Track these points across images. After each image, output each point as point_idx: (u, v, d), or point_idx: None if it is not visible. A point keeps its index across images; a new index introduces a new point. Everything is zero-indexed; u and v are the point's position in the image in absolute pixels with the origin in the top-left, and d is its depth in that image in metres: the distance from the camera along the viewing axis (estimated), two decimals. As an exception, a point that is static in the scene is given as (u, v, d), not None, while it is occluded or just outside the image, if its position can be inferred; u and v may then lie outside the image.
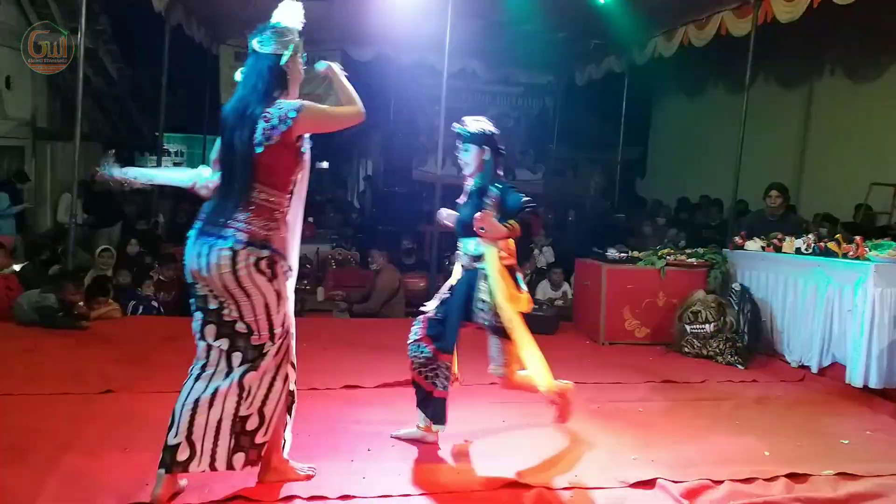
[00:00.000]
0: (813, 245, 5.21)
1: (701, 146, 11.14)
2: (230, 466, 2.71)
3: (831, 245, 5.05)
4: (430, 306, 3.50)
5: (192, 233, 2.75)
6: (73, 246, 6.69)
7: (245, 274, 2.60)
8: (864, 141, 8.29)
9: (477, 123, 3.46)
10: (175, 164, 16.38)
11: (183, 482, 2.78)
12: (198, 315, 2.78)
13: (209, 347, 2.76)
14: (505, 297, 3.22)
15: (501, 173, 3.46)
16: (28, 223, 10.03)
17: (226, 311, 2.69)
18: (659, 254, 6.16)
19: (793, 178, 8.97)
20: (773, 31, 7.17)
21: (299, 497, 2.79)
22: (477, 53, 11.05)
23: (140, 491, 2.75)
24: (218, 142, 2.79)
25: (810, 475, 3.23)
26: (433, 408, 3.40)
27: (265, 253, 2.63)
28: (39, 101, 10.52)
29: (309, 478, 2.95)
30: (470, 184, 3.48)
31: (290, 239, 2.82)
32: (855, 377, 4.53)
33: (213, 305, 2.71)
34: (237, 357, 2.71)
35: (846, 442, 3.77)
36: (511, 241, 3.32)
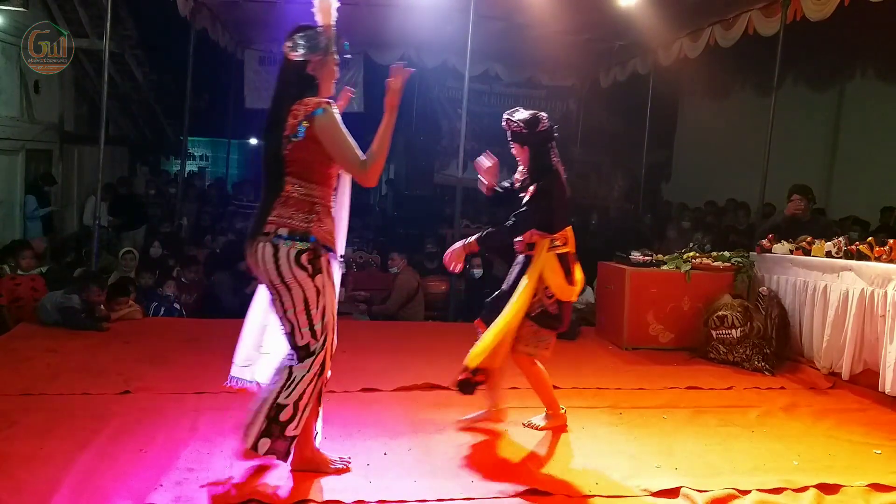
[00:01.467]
0: (844, 248, 5.06)
1: (728, 149, 10.95)
2: (254, 448, 2.76)
3: (863, 248, 4.91)
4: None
5: (250, 233, 2.85)
6: (98, 248, 6.75)
7: (287, 268, 2.70)
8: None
9: (517, 122, 3.55)
10: (199, 168, 16.54)
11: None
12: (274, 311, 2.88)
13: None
14: (555, 286, 3.40)
15: (556, 160, 3.55)
16: (55, 226, 10.18)
17: (278, 304, 2.79)
18: (684, 257, 6.04)
19: (822, 180, 8.78)
20: (802, 30, 7.02)
21: (314, 501, 2.75)
22: (499, 56, 11.00)
23: (155, 492, 2.73)
24: None
25: (841, 486, 3.13)
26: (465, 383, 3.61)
27: (306, 245, 2.71)
28: (67, 104, 10.67)
29: (341, 472, 2.95)
30: (519, 175, 3.66)
31: (337, 231, 2.91)
32: (888, 385, 4.38)
33: (272, 296, 2.81)
34: (293, 354, 2.83)
35: (879, 452, 3.64)
36: (569, 229, 3.51)
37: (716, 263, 5.94)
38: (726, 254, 6.08)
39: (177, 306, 6.35)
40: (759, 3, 7.34)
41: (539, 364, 3.60)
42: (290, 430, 2.77)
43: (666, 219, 10.96)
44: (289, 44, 2.80)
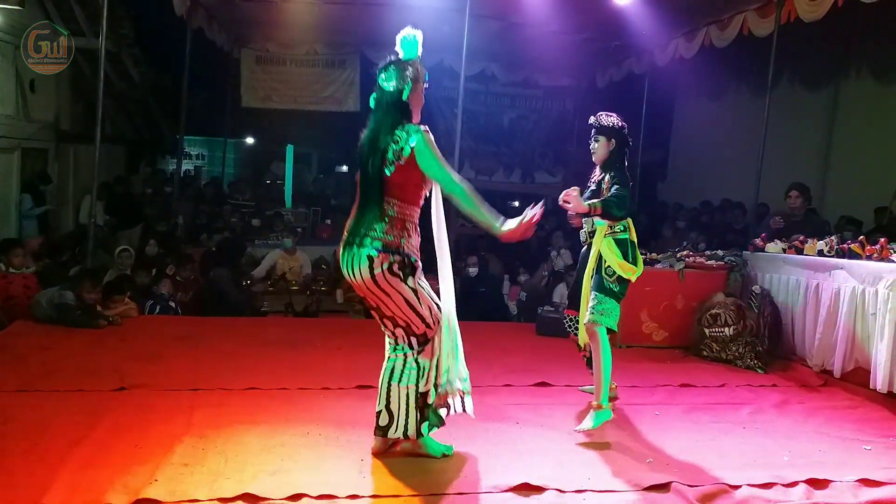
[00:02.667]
0: (836, 247, 5.10)
1: (723, 149, 10.98)
2: (419, 434, 3.12)
3: (855, 247, 4.95)
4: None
5: (341, 247, 3.11)
6: (94, 246, 6.76)
7: (382, 277, 2.99)
8: (891, 143, 8.11)
9: (609, 118, 3.98)
10: (196, 167, 16.53)
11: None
12: (372, 314, 3.24)
13: (393, 335, 3.19)
14: (615, 264, 3.78)
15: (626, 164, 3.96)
16: (51, 224, 10.17)
17: (384, 309, 3.10)
18: (678, 256, 6.07)
19: (816, 180, 8.81)
20: (796, 31, 7.05)
21: (307, 496, 2.77)
22: (496, 56, 11.03)
23: (149, 486, 2.75)
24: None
25: (831, 481, 3.15)
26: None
27: (397, 257, 2.99)
28: (63, 103, 10.66)
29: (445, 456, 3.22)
30: (597, 172, 4.02)
31: (436, 238, 3.28)
32: (879, 382, 4.42)
33: (374, 305, 3.13)
34: (414, 342, 3.14)
35: (869, 448, 3.67)
36: (629, 220, 3.89)
37: (709, 262, 5.97)
38: (720, 253, 6.12)
39: (172, 304, 6.35)
40: (754, 4, 7.37)
41: (603, 339, 3.75)
42: (437, 404, 3.18)
43: (661, 218, 11.00)
44: (382, 76, 3.08)
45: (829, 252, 5.15)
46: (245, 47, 10.89)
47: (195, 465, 2.99)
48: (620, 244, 3.84)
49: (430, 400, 3.14)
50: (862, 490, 3.10)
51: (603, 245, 3.84)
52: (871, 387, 4.49)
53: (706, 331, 5.49)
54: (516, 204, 13.16)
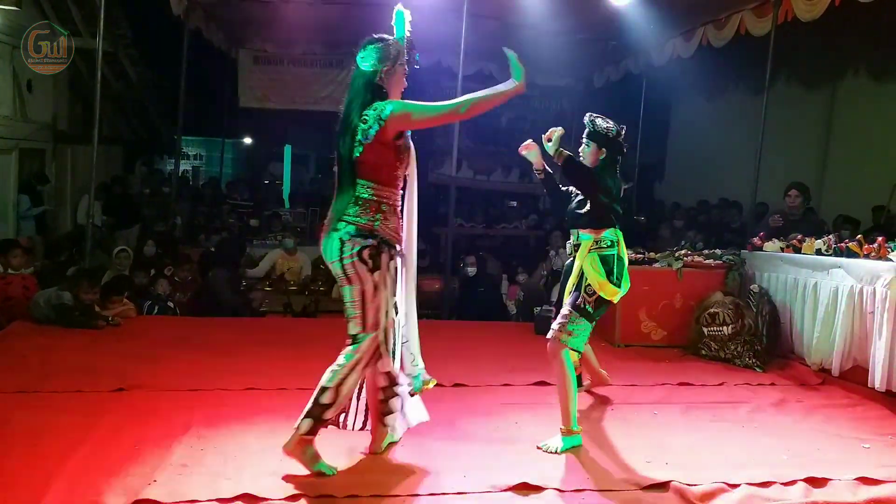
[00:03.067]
0: (833, 245, 5.11)
1: (720, 149, 11.00)
2: (297, 427, 2.92)
3: (852, 245, 4.96)
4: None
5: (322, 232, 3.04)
6: (91, 247, 6.75)
7: (349, 262, 2.90)
8: (888, 142, 8.13)
9: (604, 123, 3.71)
10: (194, 168, 16.53)
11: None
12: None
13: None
14: (596, 283, 3.53)
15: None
16: (48, 225, 10.16)
17: (345, 293, 2.99)
18: (676, 255, 6.08)
19: (814, 180, 8.82)
20: (793, 30, 7.06)
21: (306, 496, 2.77)
22: (493, 55, 10.96)
23: (148, 487, 2.75)
24: None
25: (830, 479, 3.16)
26: None
27: (369, 242, 2.90)
28: (60, 104, 10.64)
29: (318, 474, 2.93)
30: None
31: (405, 228, 3.13)
32: (877, 380, 4.42)
33: (341, 285, 3.00)
34: (349, 340, 3.02)
35: (867, 446, 3.68)
36: (618, 233, 3.68)
37: (707, 261, 5.98)
38: (718, 252, 6.13)
39: (171, 305, 6.35)
40: (751, 4, 7.38)
41: (566, 360, 3.48)
42: (328, 414, 2.94)
43: (659, 218, 11.01)
44: (361, 54, 2.98)
45: (827, 251, 5.16)
46: (242, 47, 10.88)
47: (194, 465, 2.99)
48: (605, 261, 3.58)
49: (325, 401, 2.92)
50: (860, 488, 3.10)
51: (587, 261, 3.60)
52: (869, 385, 4.50)
53: (705, 330, 5.50)
54: (514, 204, 13.19)
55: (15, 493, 2.68)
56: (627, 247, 6.21)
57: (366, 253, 2.90)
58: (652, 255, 6.19)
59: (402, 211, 3.12)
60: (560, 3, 7.89)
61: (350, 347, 2.99)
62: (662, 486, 3.02)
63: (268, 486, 2.82)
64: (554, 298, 7.00)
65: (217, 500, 2.70)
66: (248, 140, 17.07)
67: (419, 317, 7.51)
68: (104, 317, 5.57)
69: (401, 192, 3.08)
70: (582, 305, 3.54)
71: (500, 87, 2.96)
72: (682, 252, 6.15)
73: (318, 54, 10.99)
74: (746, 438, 3.74)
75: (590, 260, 3.59)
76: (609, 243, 3.63)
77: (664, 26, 8.60)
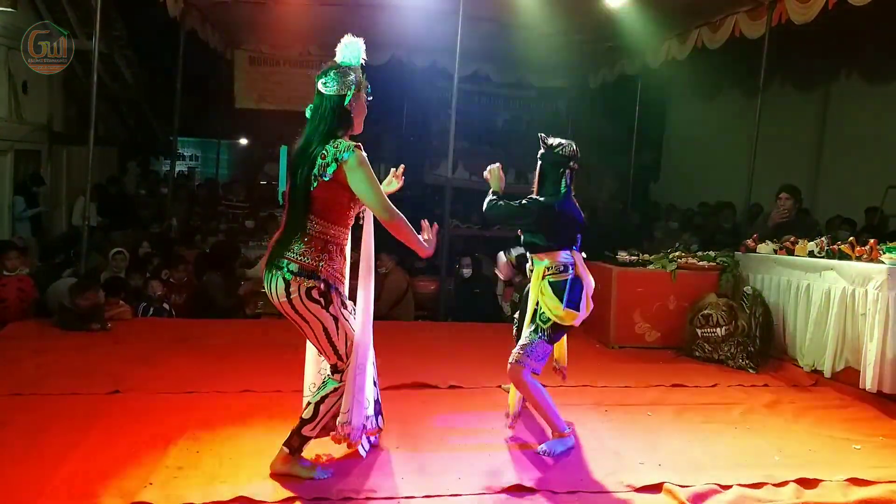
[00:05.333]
0: (826, 247, 5.14)
1: (715, 150, 11.05)
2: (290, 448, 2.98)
3: (844, 248, 4.99)
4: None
5: (264, 265, 2.95)
6: (87, 248, 6.74)
7: (299, 302, 2.82)
8: (881, 144, 8.18)
9: (548, 140, 3.62)
10: (189, 169, 16.51)
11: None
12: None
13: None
14: (549, 311, 3.44)
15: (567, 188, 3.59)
16: (44, 226, 10.14)
17: (302, 331, 2.95)
18: (670, 256, 6.10)
19: (808, 181, 8.87)
20: (787, 32, 7.10)
21: (302, 498, 2.79)
22: (489, 57, 11.03)
23: (143, 489, 2.76)
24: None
25: (821, 480, 3.19)
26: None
27: (313, 283, 2.81)
28: (55, 105, 10.64)
29: (309, 479, 2.95)
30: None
31: (363, 261, 3.08)
32: (868, 382, 4.46)
33: (296, 328, 2.95)
34: (331, 369, 3.01)
35: (858, 447, 3.71)
36: (575, 253, 3.55)
37: (701, 263, 6.01)
38: (711, 253, 6.16)
39: (166, 306, 6.35)
40: (745, 6, 7.41)
41: (529, 379, 3.43)
42: (307, 431, 2.96)
43: (654, 219, 11.05)
44: (323, 80, 2.88)
45: (819, 253, 5.19)
46: (238, 48, 10.86)
47: (190, 468, 3.00)
48: (556, 287, 3.45)
49: (306, 416, 2.95)
50: (852, 489, 3.13)
51: (540, 289, 3.48)
52: (861, 386, 4.53)
53: (698, 331, 5.52)
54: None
55: (10, 496, 2.69)
56: (623, 248, 6.33)
57: (315, 292, 2.81)
58: (646, 256, 6.21)
59: (349, 249, 3.04)
60: (556, 4, 7.91)
61: (334, 376, 2.98)
62: (655, 487, 3.05)
63: (263, 488, 2.83)
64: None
65: (212, 502, 2.71)
66: (243, 141, 17.06)
67: (416, 318, 7.56)
68: (101, 320, 5.55)
69: (349, 231, 2.99)
70: (539, 335, 3.46)
71: (419, 239, 2.98)
72: (676, 254, 6.18)
73: (314, 55, 10.98)
74: (739, 440, 3.76)
75: (542, 287, 3.48)
76: (562, 267, 3.48)
77: (659, 28, 8.63)
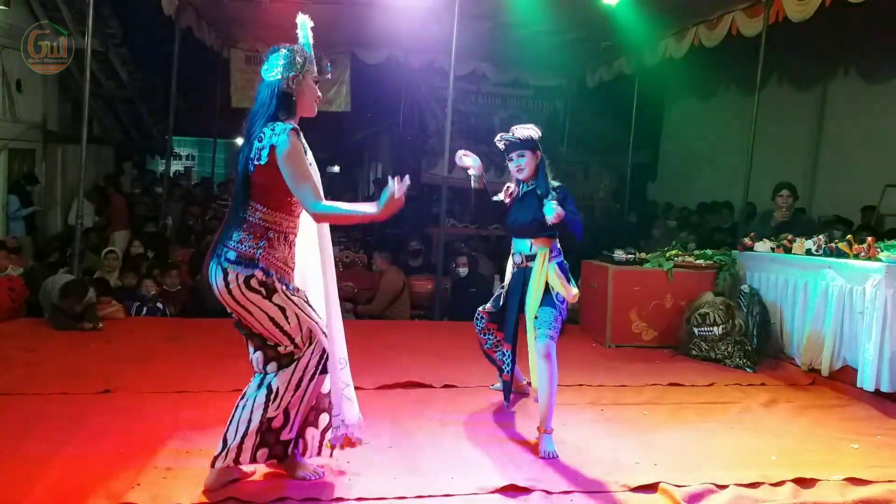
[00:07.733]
0: (823, 246, 5.11)
1: (712, 149, 11.03)
2: (254, 460, 2.79)
3: (842, 246, 4.96)
4: (489, 304, 4.04)
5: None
6: (81, 248, 6.70)
7: (238, 292, 2.67)
8: (879, 142, 8.16)
9: (527, 130, 3.63)
10: (185, 168, 16.46)
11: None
12: (239, 331, 2.87)
13: (255, 357, 2.85)
14: (561, 290, 3.56)
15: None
16: (38, 226, 10.09)
17: (244, 323, 2.77)
18: (667, 255, 6.07)
19: (805, 180, 8.85)
20: (785, 30, 7.07)
21: (293, 499, 2.75)
22: (486, 56, 11.01)
23: (131, 490, 2.72)
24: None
25: (818, 480, 3.16)
26: (504, 387, 3.96)
27: (250, 272, 2.65)
28: (50, 104, 10.57)
29: (304, 480, 2.91)
30: (514, 188, 3.74)
31: (319, 257, 2.85)
32: (866, 380, 4.43)
33: (236, 320, 2.80)
34: (272, 365, 2.80)
35: (856, 446, 3.68)
36: (556, 241, 3.68)
37: (698, 262, 5.98)
38: (708, 252, 6.13)
39: (159, 306, 6.30)
40: (743, 4, 7.39)
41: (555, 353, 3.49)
42: (285, 435, 2.83)
43: (652, 218, 11.02)
44: (265, 65, 2.78)
45: (817, 251, 5.17)
46: (234, 47, 10.83)
47: (178, 469, 2.96)
48: (562, 267, 3.64)
49: (276, 426, 2.78)
50: (849, 489, 3.10)
51: (549, 272, 3.58)
52: (858, 385, 4.51)
53: (695, 330, 5.49)
54: (507, 203, 13.17)
55: (-4, 497, 2.66)
56: (619, 247, 6.30)
57: (253, 281, 2.65)
58: (643, 255, 6.19)
59: (295, 241, 2.85)
60: (552, 2, 7.88)
61: (286, 370, 2.77)
62: (650, 487, 3.01)
63: (253, 489, 2.79)
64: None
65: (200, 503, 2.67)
66: (239, 140, 17.00)
67: (411, 317, 7.52)
68: (94, 319, 5.51)
69: (297, 220, 2.82)
70: (558, 312, 3.55)
71: (361, 209, 2.68)
72: (673, 252, 6.15)
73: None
74: (735, 439, 3.73)
75: (551, 270, 3.59)
76: (559, 250, 3.68)
77: (656, 27, 8.61)
